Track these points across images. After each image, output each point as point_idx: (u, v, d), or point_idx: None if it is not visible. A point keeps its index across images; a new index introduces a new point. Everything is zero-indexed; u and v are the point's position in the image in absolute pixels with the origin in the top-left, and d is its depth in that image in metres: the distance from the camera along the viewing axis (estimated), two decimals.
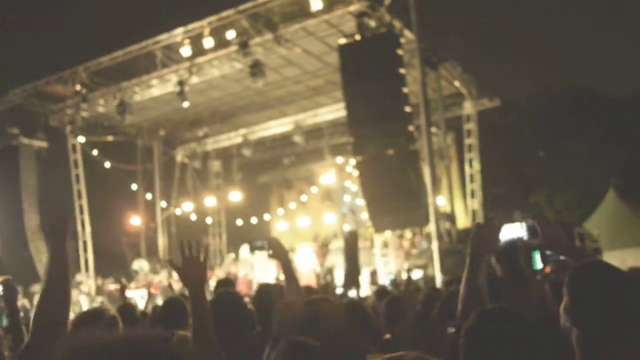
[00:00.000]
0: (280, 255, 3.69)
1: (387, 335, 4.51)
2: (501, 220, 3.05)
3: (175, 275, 20.60)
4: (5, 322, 3.98)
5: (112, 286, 22.50)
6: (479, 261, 2.90)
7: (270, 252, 3.73)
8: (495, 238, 2.97)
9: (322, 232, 24.15)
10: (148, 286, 21.78)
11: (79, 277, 22.39)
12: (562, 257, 2.95)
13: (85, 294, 21.77)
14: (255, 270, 20.05)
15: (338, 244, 19.67)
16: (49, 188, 24.01)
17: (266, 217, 30.19)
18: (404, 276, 14.59)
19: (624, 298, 2.25)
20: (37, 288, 21.43)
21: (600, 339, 2.22)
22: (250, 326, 3.73)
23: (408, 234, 19.50)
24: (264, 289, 4.48)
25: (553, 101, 33.40)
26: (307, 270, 19.87)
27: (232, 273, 21.19)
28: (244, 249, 20.71)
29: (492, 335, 2.13)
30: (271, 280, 18.73)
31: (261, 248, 5.11)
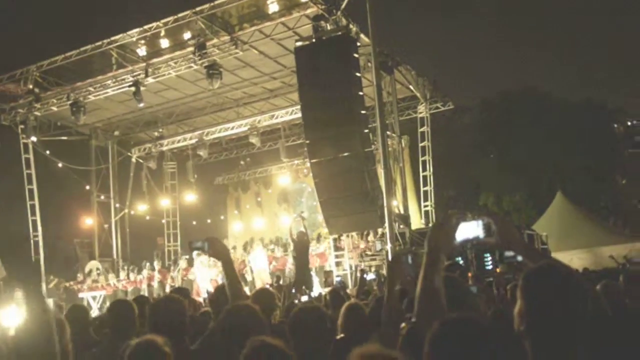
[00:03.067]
0: (221, 255, 3.63)
1: (341, 335, 4.56)
2: (458, 219, 2.99)
3: (131, 276, 20.45)
4: None
5: (67, 284, 22.26)
6: (435, 260, 2.82)
7: (211, 252, 3.65)
8: (451, 237, 2.88)
9: (275, 235, 24.19)
10: (103, 288, 21.60)
11: None
12: (519, 258, 2.93)
13: None
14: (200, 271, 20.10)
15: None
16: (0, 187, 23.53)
17: (221, 218, 30.15)
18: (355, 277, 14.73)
19: (577, 302, 2.26)
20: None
21: (554, 342, 2.23)
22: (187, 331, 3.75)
23: (370, 236, 19.71)
24: (220, 290, 4.51)
25: (503, 104, 34.07)
26: (260, 272, 19.99)
27: (190, 278, 21.06)
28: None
29: (455, 345, 2.11)
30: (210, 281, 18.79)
31: (201, 248, 4.87)
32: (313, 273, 18.00)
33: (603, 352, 2.65)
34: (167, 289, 19.54)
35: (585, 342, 2.25)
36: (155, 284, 21.52)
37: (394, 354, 1.82)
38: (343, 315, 4.67)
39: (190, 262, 20.93)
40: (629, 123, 40.48)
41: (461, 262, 14.07)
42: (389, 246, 15.37)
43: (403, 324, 3.33)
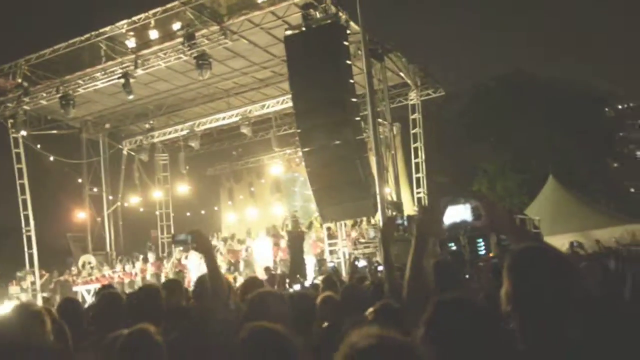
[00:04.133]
0: (204, 248, 3.60)
1: (325, 324, 4.58)
2: (446, 203, 3.01)
3: (127, 268, 20.51)
4: None
5: (62, 278, 22.26)
6: (423, 245, 2.86)
7: (194, 245, 3.63)
8: (439, 222, 2.94)
9: (272, 224, 24.19)
10: (97, 281, 21.58)
11: (21, 273, 21.98)
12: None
13: (26, 290, 21.42)
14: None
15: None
16: None
17: (215, 208, 30.15)
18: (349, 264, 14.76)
19: (563, 282, 2.27)
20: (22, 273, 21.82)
21: (540, 323, 2.23)
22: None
23: (364, 223, 19.73)
24: (201, 281, 4.51)
25: (493, 89, 34.14)
26: (263, 262, 20.03)
27: (182, 265, 21.16)
28: None
29: (450, 326, 2.13)
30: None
31: (184, 242, 4.82)
32: (310, 261, 18.02)
33: (589, 332, 2.68)
34: (162, 280, 19.54)
35: (571, 322, 2.25)
36: (148, 276, 21.53)
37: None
38: (319, 305, 4.70)
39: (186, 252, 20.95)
40: (620, 107, 40.66)
41: (454, 247, 14.13)
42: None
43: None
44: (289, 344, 2.49)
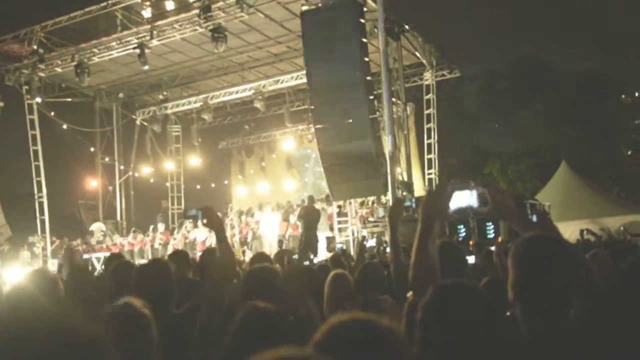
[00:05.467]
0: (215, 225, 3.59)
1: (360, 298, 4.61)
2: (453, 188, 2.95)
3: (138, 237, 20.68)
4: None
5: (74, 243, 22.47)
6: (429, 228, 2.81)
7: (205, 221, 3.66)
8: (445, 205, 2.88)
9: (283, 200, 24.22)
10: (108, 249, 21.75)
11: (32, 238, 22.20)
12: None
13: (37, 255, 21.63)
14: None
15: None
16: (4, 148, 23.61)
17: (225, 182, 30.21)
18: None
19: (567, 272, 2.27)
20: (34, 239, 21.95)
21: (544, 313, 2.24)
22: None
23: (370, 201, 19.72)
24: (206, 254, 4.52)
25: (508, 73, 33.89)
26: (271, 237, 20.11)
27: (190, 239, 21.28)
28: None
29: (448, 312, 2.12)
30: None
31: (194, 217, 4.91)
32: (322, 238, 18.03)
33: (591, 321, 2.68)
34: (169, 251, 19.69)
35: (575, 311, 2.27)
36: (156, 245, 21.72)
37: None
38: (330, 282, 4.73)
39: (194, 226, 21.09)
40: (637, 94, 40.22)
41: (463, 230, 14.15)
42: None
43: (409, 293, 3.26)
44: (280, 323, 2.50)
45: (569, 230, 14.40)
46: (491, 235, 14.11)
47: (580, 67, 34.46)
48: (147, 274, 3.85)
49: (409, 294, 3.22)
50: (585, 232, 15.11)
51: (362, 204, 19.97)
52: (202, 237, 20.40)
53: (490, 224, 14.27)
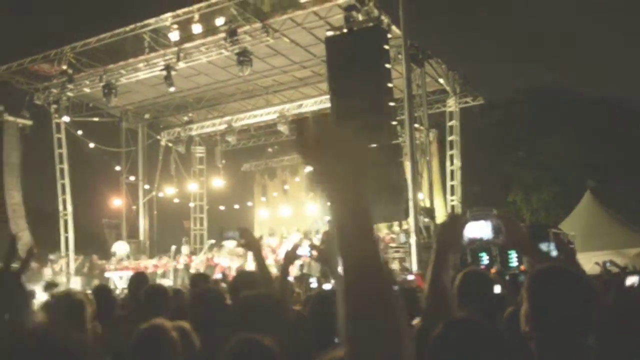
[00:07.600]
0: (252, 245, 3.65)
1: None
2: (466, 219, 2.94)
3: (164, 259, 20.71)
4: None
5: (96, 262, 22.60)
6: (443, 259, 2.79)
7: (242, 241, 3.69)
8: (459, 235, 2.86)
9: (304, 224, 24.17)
10: (133, 269, 21.82)
11: (52, 256, 22.38)
12: (553, 254, 2.83)
13: (59, 273, 21.77)
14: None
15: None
16: (31, 166, 23.97)
17: (248, 204, 30.27)
18: None
19: (579, 305, 2.24)
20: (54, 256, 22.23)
21: (558, 345, 2.21)
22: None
23: (395, 227, 19.63)
24: (240, 276, 4.52)
25: (532, 101, 33.71)
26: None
27: (212, 260, 21.28)
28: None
29: (458, 347, 2.09)
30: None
31: (232, 238, 4.97)
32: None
33: (609, 354, 2.65)
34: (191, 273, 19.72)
35: (592, 344, 2.24)
36: (180, 266, 21.77)
37: None
38: None
39: (216, 247, 21.14)
40: None
41: (486, 257, 14.03)
42: (413, 239, 15.36)
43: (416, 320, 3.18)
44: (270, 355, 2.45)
45: (592, 261, 14.19)
46: (514, 263, 13.96)
47: (609, 96, 34.21)
48: (203, 299, 3.82)
49: (415, 321, 3.19)
50: (608, 263, 14.89)
51: (389, 227, 19.86)
52: (225, 263, 20.36)
53: (513, 252, 14.13)
